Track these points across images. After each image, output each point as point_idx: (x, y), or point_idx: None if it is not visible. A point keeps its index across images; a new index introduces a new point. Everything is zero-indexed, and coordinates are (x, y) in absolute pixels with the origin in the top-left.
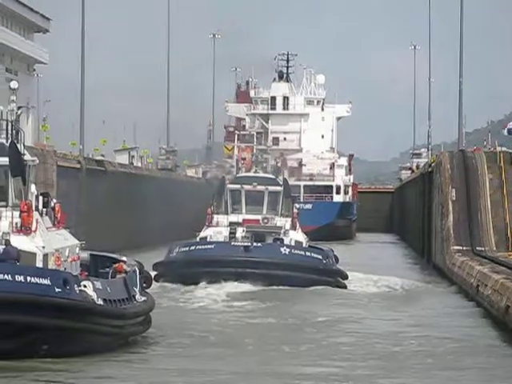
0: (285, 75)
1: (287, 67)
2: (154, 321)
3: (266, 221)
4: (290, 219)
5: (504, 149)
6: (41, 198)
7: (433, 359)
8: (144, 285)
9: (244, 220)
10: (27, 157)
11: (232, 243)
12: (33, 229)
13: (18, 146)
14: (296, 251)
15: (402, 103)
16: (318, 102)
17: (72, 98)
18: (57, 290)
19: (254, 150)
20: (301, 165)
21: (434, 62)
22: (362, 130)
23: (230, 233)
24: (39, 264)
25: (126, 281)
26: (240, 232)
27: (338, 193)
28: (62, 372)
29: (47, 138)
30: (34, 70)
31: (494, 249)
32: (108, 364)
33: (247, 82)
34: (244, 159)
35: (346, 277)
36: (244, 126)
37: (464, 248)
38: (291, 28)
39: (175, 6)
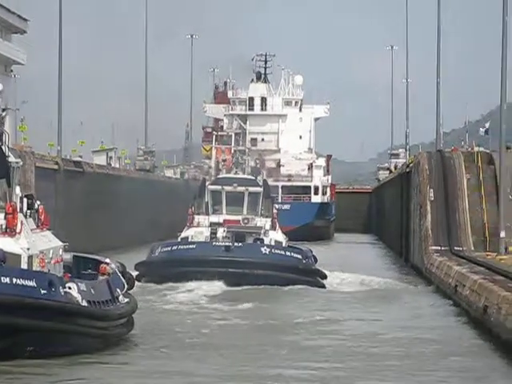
0: (263, 76)
1: (265, 68)
2: (135, 322)
3: (246, 221)
4: (269, 219)
5: (481, 149)
6: (25, 199)
7: (411, 360)
8: (126, 286)
9: (225, 220)
10: (11, 158)
11: (213, 243)
12: (17, 231)
13: (3, 147)
14: (276, 251)
15: (379, 104)
16: (296, 103)
17: (49, 99)
18: (42, 291)
19: (232, 151)
20: (279, 165)
21: (412, 63)
22: (340, 130)
23: (211, 233)
24: (24, 266)
25: (109, 282)
26: (221, 232)
27: (316, 193)
28: (41, 375)
29: (25, 138)
30: (12, 70)
31: (472, 249)
32: (88, 366)
33: (225, 83)
34: (224, 160)
35: (324, 276)
36: (222, 126)
37: (442, 248)
38: (268, 29)
39: (153, 6)
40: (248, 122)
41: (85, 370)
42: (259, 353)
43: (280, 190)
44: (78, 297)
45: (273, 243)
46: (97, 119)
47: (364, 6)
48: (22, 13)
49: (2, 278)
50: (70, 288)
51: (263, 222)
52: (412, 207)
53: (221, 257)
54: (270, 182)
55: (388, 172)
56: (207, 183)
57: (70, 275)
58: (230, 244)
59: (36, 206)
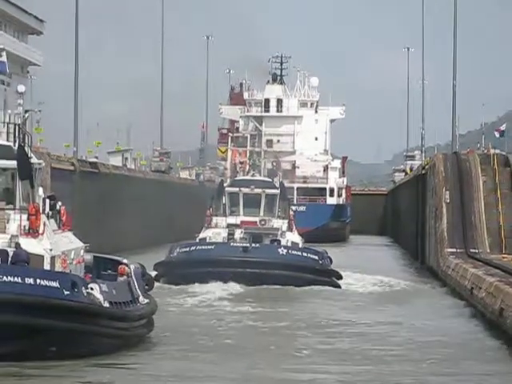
0: (278, 77)
1: (281, 69)
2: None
3: (263, 222)
4: (286, 221)
5: (497, 151)
6: (47, 200)
7: (427, 364)
8: (146, 287)
9: (242, 222)
10: (34, 160)
11: (231, 244)
12: (40, 231)
13: (26, 149)
14: (293, 252)
15: (395, 105)
16: (312, 105)
17: (66, 100)
18: (65, 292)
19: (248, 153)
20: (294, 167)
21: (428, 64)
22: (356, 132)
23: (229, 234)
24: (46, 266)
25: (129, 283)
26: (238, 233)
27: (331, 195)
28: (58, 378)
29: (41, 139)
30: (28, 71)
31: (488, 251)
32: (103, 369)
33: (241, 85)
34: (242, 163)
35: (340, 277)
36: (237, 128)
37: (458, 250)
38: (285, 30)
39: (170, 8)
40: (264, 124)
41: (100, 373)
42: (277, 355)
43: (295, 191)
44: (100, 298)
45: (289, 244)
46: (113, 120)
47: (380, 7)
48: (38, 14)
49: (26, 279)
50: (92, 289)
51: (280, 224)
52: (427, 209)
53: (239, 257)
54: (286, 183)
55: (403, 174)
56: (225, 185)
57: (90, 276)
58: (248, 245)
59: (58, 206)
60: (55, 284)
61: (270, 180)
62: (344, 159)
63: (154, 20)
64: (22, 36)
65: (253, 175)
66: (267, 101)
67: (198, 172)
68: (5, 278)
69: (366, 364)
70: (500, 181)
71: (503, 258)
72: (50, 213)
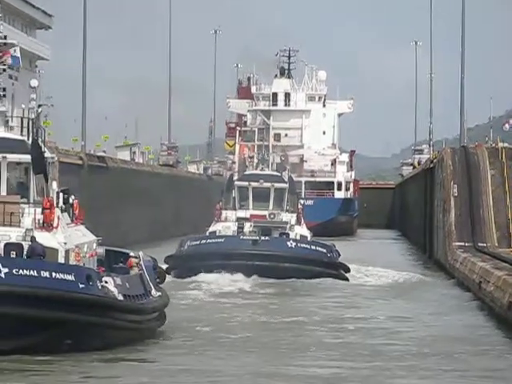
0: (286, 71)
1: (289, 63)
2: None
3: (272, 216)
4: (295, 215)
5: (506, 145)
6: (61, 194)
7: (436, 359)
8: (158, 280)
9: (251, 215)
10: (47, 154)
11: (241, 237)
12: (54, 225)
13: (40, 143)
14: (302, 245)
15: (403, 99)
16: (320, 99)
17: (74, 94)
18: (81, 285)
19: (256, 148)
20: (302, 161)
21: (436, 58)
22: (364, 126)
23: (238, 227)
24: (61, 260)
25: (142, 276)
26: (247, 227)
27: (339, 189)
28: (66, 373)
29: (49, 133)
30: (36, 66)
31: (496, 245)
32: (112, 364)
33: (249, 78)
34: (251, 157)
35: (348, 270)
36: (245, 122)
37: (466, 244)
38: (292, 24)
39: (178, 2)
40: (271, 118)
41: (109, 367)
42: (288, 351)
43: (303, 185)
44: (115, 291)
45: (298, 238)
46: (120, 114)
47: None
48: (46, 8)
49: (42, 272)
50: (106, 282)
51: (289, 217)
52: (436, 203)
53: (248, 250)
54: (294, 177)
55: (411, 168)
56: (234, 179)
57: (103, 269)
58: (257, 238)
59: (71, 200)
60: (70, 277)
61: (279, 174)
62: (352, 153)
63: (162, 14)
64: (30, 30)
65: (262, 169)
66: (275, 95)
67: (205, 166)
68: (21, 271)
69: (375, 360)
70: (508, 174)
71: (511, 251)
72: (64, 206)
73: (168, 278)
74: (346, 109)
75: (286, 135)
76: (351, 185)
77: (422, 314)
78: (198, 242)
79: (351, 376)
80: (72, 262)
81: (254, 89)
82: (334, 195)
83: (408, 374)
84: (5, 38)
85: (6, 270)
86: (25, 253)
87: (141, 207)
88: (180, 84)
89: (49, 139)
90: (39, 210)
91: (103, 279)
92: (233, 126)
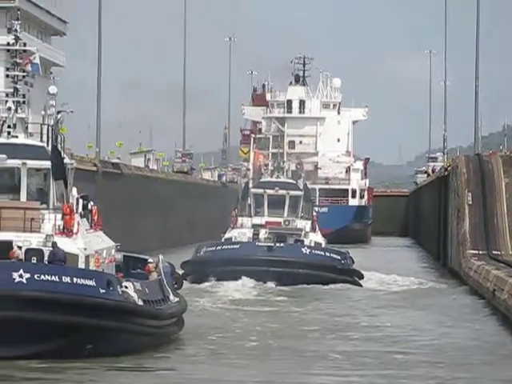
0: (301, 79)
1: (303, 70)
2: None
3: (287, 223)
4: (309, 222)
5: None
6: (80, 200)
7: (449, 367)
8: (175, 285)
9: (266, 222)
10: (66, 160)
11: (256, 243)
12: (74, 231)
13: (59, 149)
14: (316, 251)
15: (417, 107)
16: (334, 106)
17: (88, 101)
18: (101, 290)
19: (270, 155)
20: (316, 168)
21: (450, 66)
22: (378, 133)
23: (254, 234)
24: (81, 265)
25: (160, 282)
26: (263, 233)
27: (353, 196)
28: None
29: (64, 140)
30: (51, 72)
31: (511, 253)
32: (126, 372)
33: (263, 86)
34: (267, 165)
35: (361, 276)
36: (260, 129)
37: (480, 252)
38: (307, 32)
39: (192, 9)
40: (286, 125)
41: (121, 376)
42: (302, 359)
43: (318, 193)
44: (135, 296)
45: (312, 244)
46: (135, 121)
47: (403, 9)
48: (61, 15)
49: (63, 278)
50: (126, 287)
51: (303, 224)
52: (450, 211)
53: (263, 256)
54: (308, 184)
55: (426, 175)
56: (250, 186)
57: (122, 275)
58: (272, 244)
59: (90, 206)
60: (91, 283)
61: (294, 182)
62: (366, 160)
63: (177, 20)
64: (45, 37)
65: (277, 177)
66: (290, 102)
67: (220, 173)
68: (42, 276)
69: (387, 368)
70: None
71: None
72: (83, 212)
73: (184, 283)
74: (361, 116)
75: (301, 142)
76: (365, 192)
77: (435, 321)
78: (213, 248)
79: None
80: (92, 267)
81: (268, 96)
82: (348, 203)
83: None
84: (24, 45)
85: (28, 275)
86: (46, 258)
87: (155, 214)
88: (195, 91)
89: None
90: (59, 215)
91: (123, 284)
92: (247, 133)
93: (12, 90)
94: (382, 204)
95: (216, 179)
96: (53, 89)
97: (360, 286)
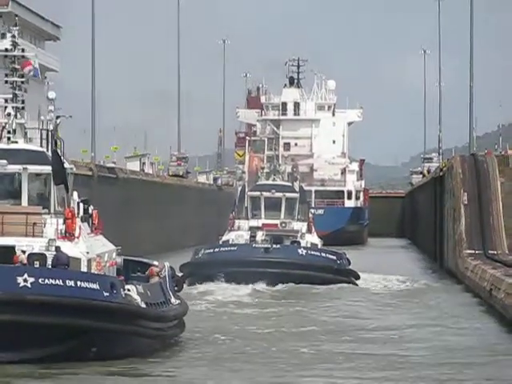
0: (295, 81)
1: (298, 73)
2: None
3: (283, 225)
4: (305, 223)
5: None
6: (81, 204)
7: (450, 369)
8: (176, 288)
9: (263, 224)
10: (67, 165)
11: (253, 245)
12: (76, 235)
13: (60, 154)
14: (312, 252)
15: (412, 108)
16: (329, 108)
17: (83, 105)
18: (105, 293)
19: (266, 158)
20: (312, 170)
21: (445, 66)
22: (373, 135)
23: (251, 236)
24: (83, 269)
25: (161, 284)
26: (260, 235)
27: (349, 198)
28: None
29: (64, 145)
30: (46, 77)
31: (507, 252)
32: (122, 378)
33: (258, 88)
34: (263, 168)
35: (358, 277)
36: (255, 131)
37: (476, 252)
38: (301, 33)
39: (185, 12)
40: (281, 127)
41: (120, 380)
42: (302, 362)
43: (313, 194)
44: (138, 299)
45: (309, 245)
46: (130, 125)
47: (396, 9)
48: (55, 20)
49: (67, 281)
50: (129, 290)
51: (300, 226)
52: (446, 211)
53: (260, 258)
54: (304, 186)
55: (421, 176)
56: (247, 190)
57: (123, 278)
58: (269, 246)
59: (90, 210)
60: (95, 286)
61: (290, 184)
62: (361, 162)
63: (171, 24)
64: (39, 42)
65: (273, 180)
66: (284, 104)
67: (215, 176)
68: (46, 280)
69: (389, 369)
70: None
71: None
72: (84, 216)
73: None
74: (356, 118)
75: (296, 144)
76: (361, 194)
77: (433, 321)
78: (211, 250)
79: None
80: (94, 271)
81: (263, 98)
82: (344, 204)
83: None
84: (23, 50)
85: (33, 279)
86: (49, 262)
87: (150, 218)
88: (189, 94)
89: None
90: (61, 220)
91: (126, 287)
92: (242, 135)
93: (11, 96)
94: (378, 205)
95: (211, 182)
96: (52, 94)
97: (356, 285)
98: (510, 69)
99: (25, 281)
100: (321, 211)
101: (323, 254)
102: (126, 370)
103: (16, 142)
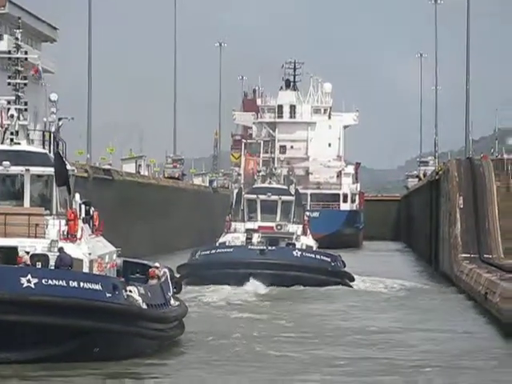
0: (292, 83)
1: (294, 75)
2: None
3: (279, 227)
4: (301, 226)
5: (511, 156)
6: (83, 206)
7: (447, 372)
8: (175, 290)
9: (259, 227)
10: (69, 166)
11: (249, 247)
12: (78, 236)
13: (62, 156)
14: (307, 254)
15: (408, 111)
16: (325, 111)
17: (79, 107)
18: (107, 294)
19: (261, 161)
20: (308, 173)
21: (441, 70)
22: (369, 138)
23: (247, 238)
24: (86, 270)
25: (161, 286)
26: (256, 237)
27: (344, 201)
28: None
29: (66, 147)
30: (43, 79)
31: (502, 256)
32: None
33: (254, 91)
34: (259, 171)
35: (352, 279)
36: (251, 134)
37: (472, 255)
38: (297, 37)
39: (182, 15)
40: (277, 130)
41: (118, 382)
42: (298, 365)
43: (309, 197)
44: (139, 300)
45: (304, 247)
46: (126, 127)
47: (393, 13)
48: (51, 21)
49: (70, 282)
50: (131, 291)
51: (295, 228)
52: (441, 215)
53: (256, 259)
54: (299, 189)
55: (417, 180)
56: (243, 192)
57: (124, 279)
58: (265, 248)
59: (91, 212)
60: (98, 287)
61: (286, 187)
62: (357, 165)
63: (167, 28)
64: (36, 43)
65: (269, 183)
66: (280, 107)
67: (211, 178)
68: (50, 281)
69: (383, 373)
70: None
71: None
72: (85, 218)
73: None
74: (352, 121)
75: (292, 147)
76: (357, 197)
77: (427, 326)
78: (208, 252)
79: None
80: (95, 272)
81: (259, 101)
82: (339, 207)
83: None
84: (26, 53)
85: (36, 280)
86: (52, 263)
87: (146, 220)
88: (185, 97)
89: None
90: (63, 221)
91: (128, 288)
92: (238, 138)
93: (14, 98)
94: (374, 208)
95: (207, 185)
96: (54, 96)
97: (351, 287)
98: (507, 72)
99: (28, 281)
100: (316, 214)
101: (318, 256)
102: (125, 371)
103: (19, 144)
